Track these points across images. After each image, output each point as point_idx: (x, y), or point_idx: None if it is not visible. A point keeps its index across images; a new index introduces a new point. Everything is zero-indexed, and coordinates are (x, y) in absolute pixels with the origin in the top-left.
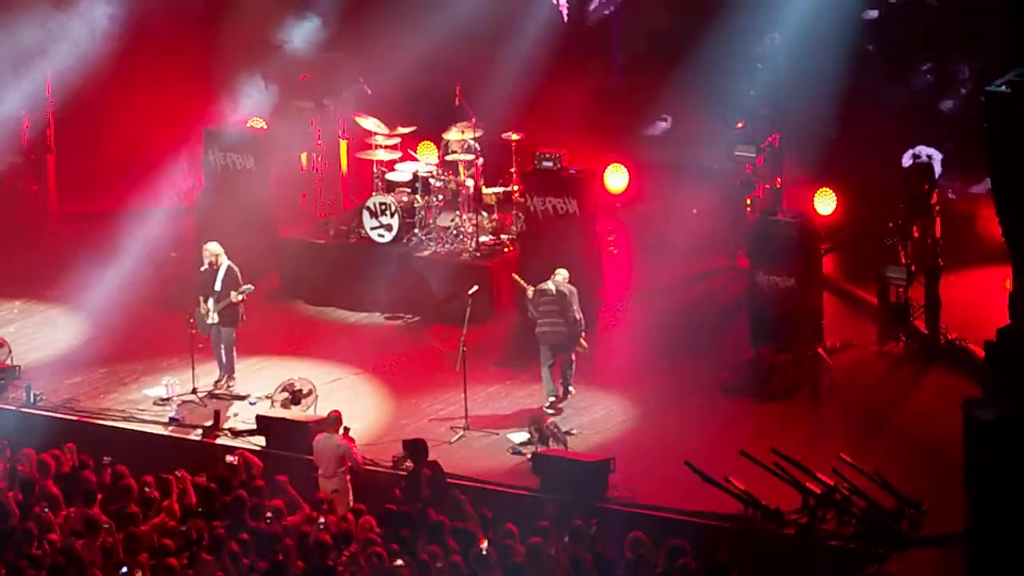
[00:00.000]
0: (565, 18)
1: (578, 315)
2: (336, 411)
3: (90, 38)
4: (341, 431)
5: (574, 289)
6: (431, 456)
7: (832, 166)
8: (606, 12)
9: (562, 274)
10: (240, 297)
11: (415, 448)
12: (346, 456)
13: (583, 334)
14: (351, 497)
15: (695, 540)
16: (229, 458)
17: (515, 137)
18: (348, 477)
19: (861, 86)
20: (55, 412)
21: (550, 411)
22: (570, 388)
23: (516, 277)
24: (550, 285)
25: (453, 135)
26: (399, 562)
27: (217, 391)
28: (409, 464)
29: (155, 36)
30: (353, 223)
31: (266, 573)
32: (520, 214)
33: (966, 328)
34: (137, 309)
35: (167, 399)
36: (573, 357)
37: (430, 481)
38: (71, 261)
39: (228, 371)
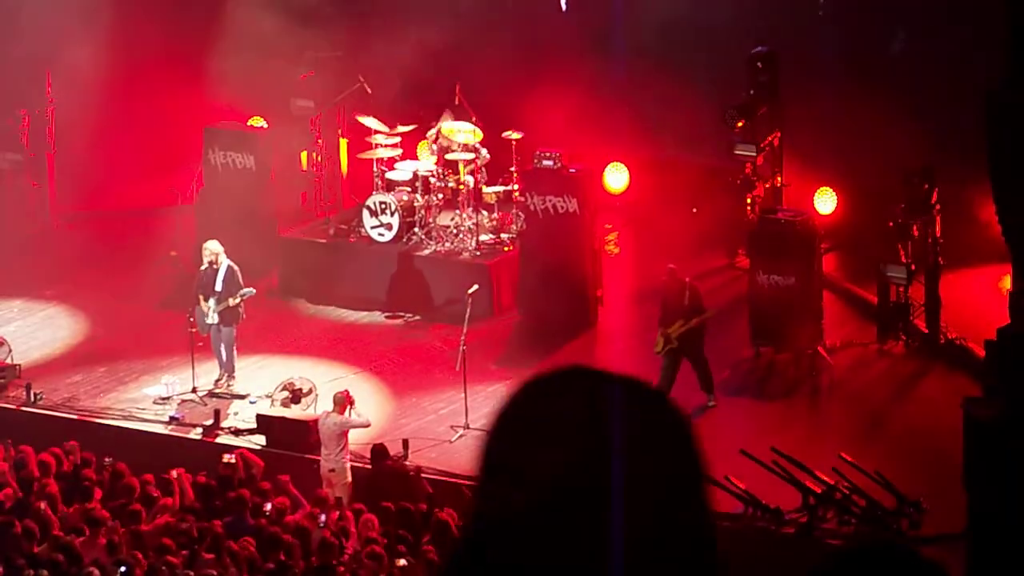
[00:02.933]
0: (563, 6)
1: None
2: (342, 392)
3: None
4: (348, 412)
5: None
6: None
7: (832, 165)
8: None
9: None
10: (238, 301)
11: (376, 453)
12: (345, 431)
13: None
14: (349, 478)
15: None
16: (227, 457)
17: (515, 136)
18: (347, 457)
19: (862, 83)
20: (55, 411)
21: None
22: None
23: None
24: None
25: (446, 127)
26: (402, 562)
27: (217, 390)
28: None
29: (156, 34)
30: (353, 222)
31: (267, 572)
32: (520, 213)
33: (966, 327)
34: (137, 308)
35: (167, 398)
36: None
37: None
38: (71, 260)
39: (228, 370)
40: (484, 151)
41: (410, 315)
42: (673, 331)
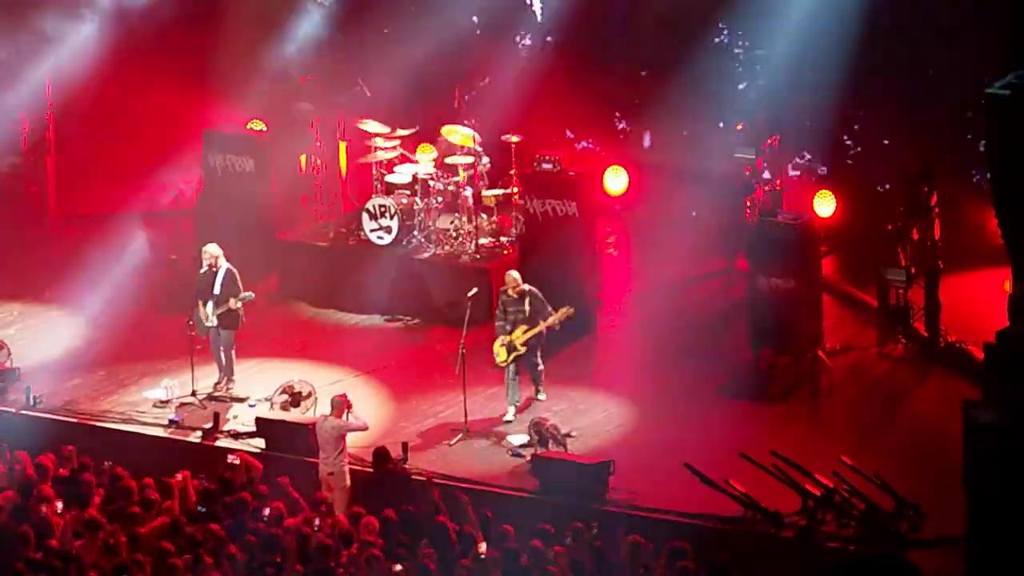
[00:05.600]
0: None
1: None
2: (339, 395)
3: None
4: (345, 415)
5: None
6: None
7: (832, 168)
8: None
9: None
10: (239, 304)
11: (378, 457)
12: (343, 435)
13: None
14: (348, 482)
15: (695, 542)
16: (231, 457)
17: (515, 139)
18: (346, 460)
19: (862, 86)
20: (54, 414)
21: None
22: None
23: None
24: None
25: (450, 135)
26: (398, 567)
27: (216, 393)
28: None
29: (154, 37)
30: (352, 225)
31: (265, 575)
32: (519, 216)
33: (965, 330)
34: (136, 311)
35: (166, 401)
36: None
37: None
38: (70, 263)
39: (227, 373)
40: (485, 159)
41: (409, 318)
42: (517, 338)
